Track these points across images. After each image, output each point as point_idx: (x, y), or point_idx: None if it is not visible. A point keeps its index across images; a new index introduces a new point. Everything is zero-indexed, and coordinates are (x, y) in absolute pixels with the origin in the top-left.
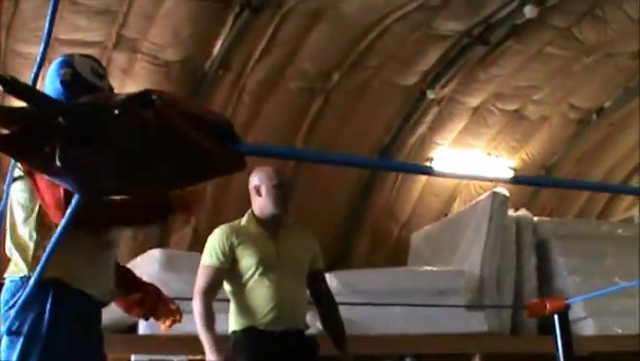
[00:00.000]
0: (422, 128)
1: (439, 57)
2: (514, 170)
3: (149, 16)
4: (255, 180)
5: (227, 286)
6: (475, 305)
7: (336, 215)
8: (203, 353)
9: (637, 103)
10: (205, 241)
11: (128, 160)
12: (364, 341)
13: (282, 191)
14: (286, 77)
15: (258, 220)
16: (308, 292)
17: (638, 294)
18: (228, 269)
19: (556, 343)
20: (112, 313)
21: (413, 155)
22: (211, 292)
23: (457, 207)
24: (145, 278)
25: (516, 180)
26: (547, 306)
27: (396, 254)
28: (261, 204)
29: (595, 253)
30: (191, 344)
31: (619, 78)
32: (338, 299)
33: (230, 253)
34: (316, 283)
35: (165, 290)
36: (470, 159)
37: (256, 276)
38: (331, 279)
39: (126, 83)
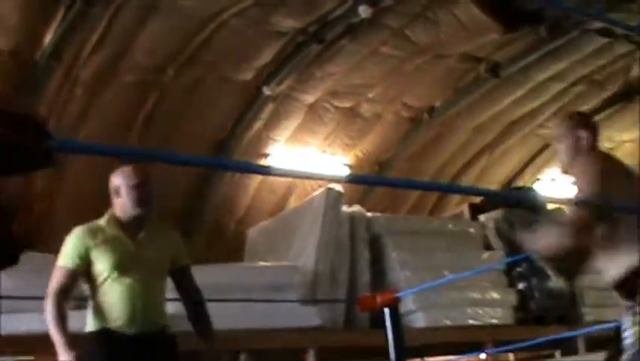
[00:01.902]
0: (258, 125)
1: (276, 54)
2: (349, 167)
3: None
4: (114, 180)
5: (85, 287)
6: (308, 300)
7: (172, 210)
8: (30, 353)
9: (466, 103)
10: (37, 238)
11: None
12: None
13: (141, 191)
14: (120, 71)
15: (118, 221)
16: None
17: (465, 287)
18: (83, 272)
19: (387, 335)
20: None
21: (249, 151)
22: (64, 293)
23: (292, 202)
24: None
25: (351, 180)
26: (378, 300)
27: (232, 250)
28: (121, 204)
29: (425, 248)
30: (19, 344)
31: (449, 79)
32: (173, 295)
33: (85, 255)
34: (181, 279)
35: None
36: (306, 155)
37: (110, 279)
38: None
39: None
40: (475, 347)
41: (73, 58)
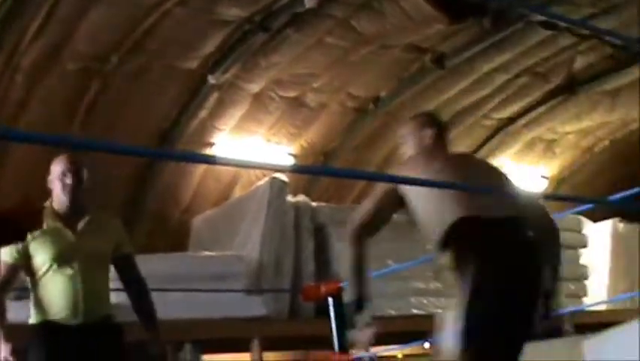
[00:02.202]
0: (203, 114)
1: (221, 42)
2: (294, 156)
3: None
4: (51, 171)
5: (26, 279)
6: (253, 290)
7: (115, 198)
8: None
9: (411, 94)
10: None
11: None
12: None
13: (69, 179)
14: (62, 58)
15: (55, 213)
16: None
17: (409, 277)
18: (23, 265)
19: (331, 325)
20: None
21: (194, 140)
22: (3, 287)
23: (237, 192)
24: None
25: (295, 169)
26: (323, 289)
27: (177, 239)
28: (55, 195)
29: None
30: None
31: (394, 69)
32: (116, 285)
33: (23, 249)
34: (123, 268)
35: None
36: (251, 145)
37: (50, 271)
38: None
39: None
40: (419, 337)
41: (14, 45)
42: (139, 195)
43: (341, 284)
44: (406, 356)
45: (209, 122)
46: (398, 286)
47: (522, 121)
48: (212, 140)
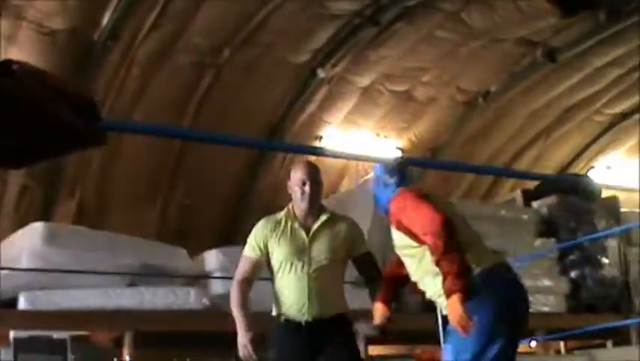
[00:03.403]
0: (312, 107)
1: (331, 36)
2: (402, 150)
3: None
4: (290, 177)
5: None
6: (359, 283)
7: (225, 191)
8: (84, 328)
9: (521, 88)
10: (90, 215)
11: None
12: (256, 316)
13: (311, 188)
14: (176, 51)
15: (294, 214)
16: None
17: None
18: (264, 261)
19: (437, 319)
20: None
21: (302, 133)
22: (246, 280)
23: (345, 185)
24: (26, 253)
25: (403, 162)
26: None
27: None
28: (294, 199)
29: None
30: (73, 319)
31: (504, 63)
32: (224, 275)
33: (264, 245)
34: (362, 266)
35: (47, 264)
36: (359, 138)
37: (283, 269)
38: (218, 255)
39: (10, 51)
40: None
41: (131, 38)
42: (248, 189)
43: None
44: None
45: (317, 116)
46: None
47: (636, 116)
48: (320, 133)
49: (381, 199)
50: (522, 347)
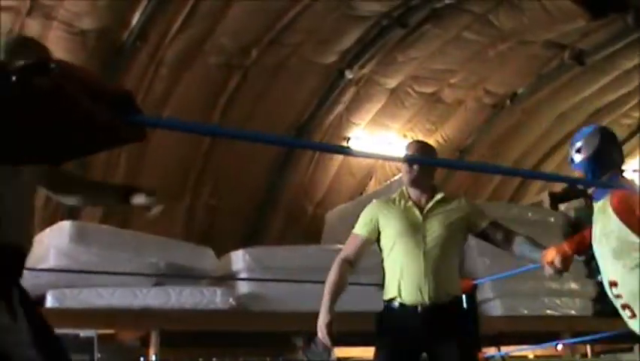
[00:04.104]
0: (339, 108)
1: (359, 37)
2: None
3: None
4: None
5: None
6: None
7: (252, 192)
8: (111, 327)
9: (549, 90)
10: (117, 213)
11: (24, 127)
12: (276, 317)
13: (411, 169)
14: (204, 52)
15: (407, 193)
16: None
17: (544, 277)
18: (373, 240)
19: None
20: None
21: (330, 134)
22: (350, 259)
23: (372, 186)
24: (53, 251)
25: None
26: None
27: (310, 232)
28: (403, 178)
29: None
30: (100, 318)
31: (532, 65)
32: (251, 275)
33: (374, 224)
34: (495, 234)
35: (74, 264)
36: (386, 140)
37: (395, 248)
38: (244, 255)
39: None
40: (551, 337)
41: (159, 39)
42: (274, 189)
43: (474, 282)
44: (537, 356)
45: (345, 117)
46: (532, 285)
47: None
48: (348, 134)
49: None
50: (548, 351)
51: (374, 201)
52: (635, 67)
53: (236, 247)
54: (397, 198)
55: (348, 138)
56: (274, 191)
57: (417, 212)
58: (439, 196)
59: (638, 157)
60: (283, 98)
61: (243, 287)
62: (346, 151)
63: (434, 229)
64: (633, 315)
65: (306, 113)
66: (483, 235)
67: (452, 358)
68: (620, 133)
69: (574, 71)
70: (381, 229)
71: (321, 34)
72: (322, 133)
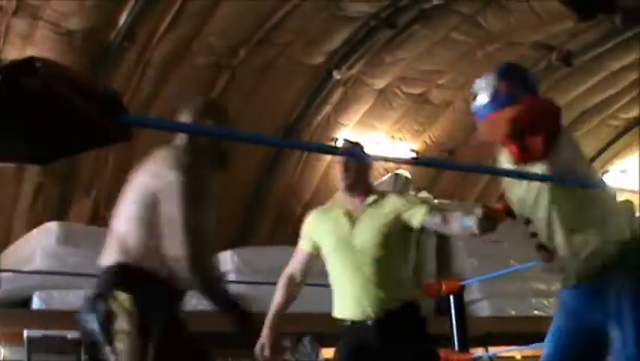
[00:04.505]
0: (327, 109)
1: (347, 38)
2: (417, 153)
3: None
4: None
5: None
6: None
7: (239, 193)
8: None
9: None
10: (106, 214)
11: (12, 127)
12: (264, 318)
13: (343, 167)
14: (192, 52)
15: (342, 199)
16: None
17: (531, 278)
18: (316, 255)
19: (452, 323)
20: (4, 284)
21: (318, 135)
22: (290, 275)
23: None
24: (40, 252)
25: (420, 163)
26: (444, 287)
27: (298, 233)
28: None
29: (492, 237)
30: None
31: None
32: (239, 277)
33: (311, 237)
34: (430, 225)
35: (61, 264)
36: (374, 141)
37: (335, 261)
38: (232, 256)
39: (27, 51)
40: (539, 338)
41: (147, 39)
42: (262, 190)
43: (462, 282)
44: (525, 357)
45: (333, 118)
46: (519, 286)
47: None
48: (335, 135)
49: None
50: (536, 351)
51: (312, 212)
52: (623, 68)
53: (224, 248)
54: (332, 207)
55: (336, 139)
56: (262, 191)
57: (347, 222)
58: (370, 199)
59: (625, 158)
60: (271, 99)
61: (231, 288)
62: (335, 151)
63: (365, 237)
64: None
65: (295, 113)
66: (422, 228)
67: None
68: (608, 134)
69: (561, 72)
70: (318, 244)
71: (310, 34)
72: (310, 133)
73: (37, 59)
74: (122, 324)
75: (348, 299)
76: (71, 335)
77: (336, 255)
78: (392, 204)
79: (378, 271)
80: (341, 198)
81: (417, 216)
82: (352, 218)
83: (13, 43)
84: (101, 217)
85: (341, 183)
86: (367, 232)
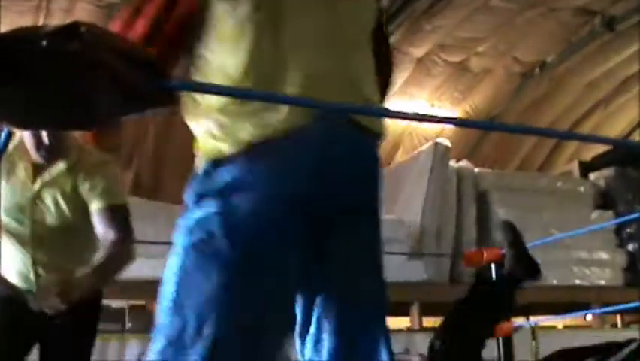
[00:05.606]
0: None
1: (385, 6)
2: None
3: None
4: None
5: None
6: (415, 253)
7: None
8: (141, 298)
9: (579, 58)
10: (147, 186)
11: (56, 93)
12: None
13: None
14: None
15: (21, 151)
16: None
17: (573, 246)
18: None
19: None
20: None
21: None
22: None
23: (399, 157)
24: None
25: (463, 123)
26: (484, 255)
27: None
28: None
29: (533, 206)
30: (130, 289)
31: (562, 33)
32: None
33: None
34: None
35: None
36: (414, 109)
37: (7, 228)
38: None
39: None
40: (581, 308)
41: None
42: None
43: (503, 251)
44: (566, 327)
45: None
46: (561, 255)
47: None
48: None
49: None
50: (577, 320)
51: None
52: None
53: None
54: (15, 154)
55: None
56: None
57: (30, 183)
58: (62, 166)
59: None
60: None
61: None
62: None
63: (45, 209)
64: None
65: None
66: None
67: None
68: None
69: (604, 38)
70: None
71: None
72: None
73: (81, 24)
74: None
75: (17, 273)
76: (116, 304)
77: (11, 221)
78: (84, 176)
79: (56, 248)
80: (21, 149)
81: (99, 203)
82: (37, 178)
83: (54, 16)
84: (142, 189)
85: (33, 142)
86: (50, 204)
